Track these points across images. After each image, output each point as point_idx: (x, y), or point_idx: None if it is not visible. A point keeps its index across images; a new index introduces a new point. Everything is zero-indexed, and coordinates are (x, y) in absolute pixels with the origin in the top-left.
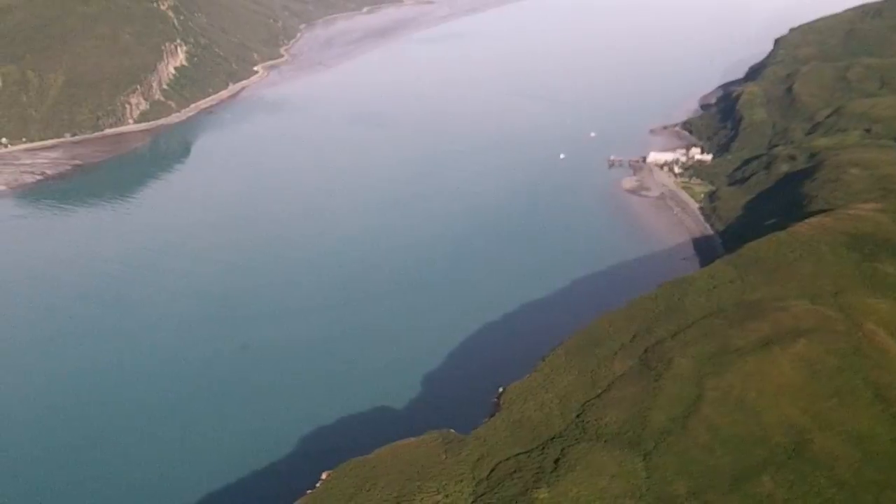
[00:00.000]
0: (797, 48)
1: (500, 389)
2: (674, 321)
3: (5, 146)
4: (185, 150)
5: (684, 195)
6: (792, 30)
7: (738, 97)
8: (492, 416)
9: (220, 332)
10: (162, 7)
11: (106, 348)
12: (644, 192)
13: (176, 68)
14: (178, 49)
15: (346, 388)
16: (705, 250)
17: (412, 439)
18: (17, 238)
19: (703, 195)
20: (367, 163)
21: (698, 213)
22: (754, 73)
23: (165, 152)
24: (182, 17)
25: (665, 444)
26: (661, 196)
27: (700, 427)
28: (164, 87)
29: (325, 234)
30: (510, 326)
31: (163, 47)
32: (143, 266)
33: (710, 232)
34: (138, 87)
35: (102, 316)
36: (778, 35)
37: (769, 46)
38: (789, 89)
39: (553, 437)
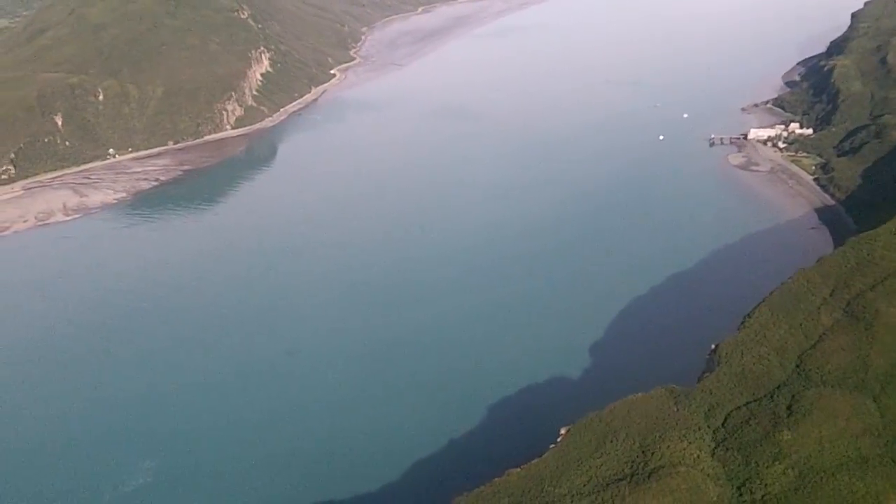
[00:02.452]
0: (878, 20)
1: (713, 346)
2: (869, 275)
3: (113, 156)
4: (285, 151)
5: (795, 168)
6: (867, 3)
7: (829, 71)
8: (706, 371)
9: (411, 312)
10: (242, 16)
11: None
12: (754, 168)
13: (262, 74)
14: (263, 56)
15: (547, 356)
16: (831, 219)
17: (640, 395)
18: (163, 238)
19: (813, 167)
20: (466, 156)
21: (814, 184)
22: (837, 47)
23: (267, 154)
24: (260, 26)
25: (892, 386)
26: (772, 170)
27: None
28: (255, 92)
29: (449, 224)
30: (673, 294)
31: (249, 54)
32: (290, 255)
33: (831, 202)
34: (233, 93)
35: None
36: (851, 9)
37: (839, 21)
38: (883, 60)
39: (778, 386)
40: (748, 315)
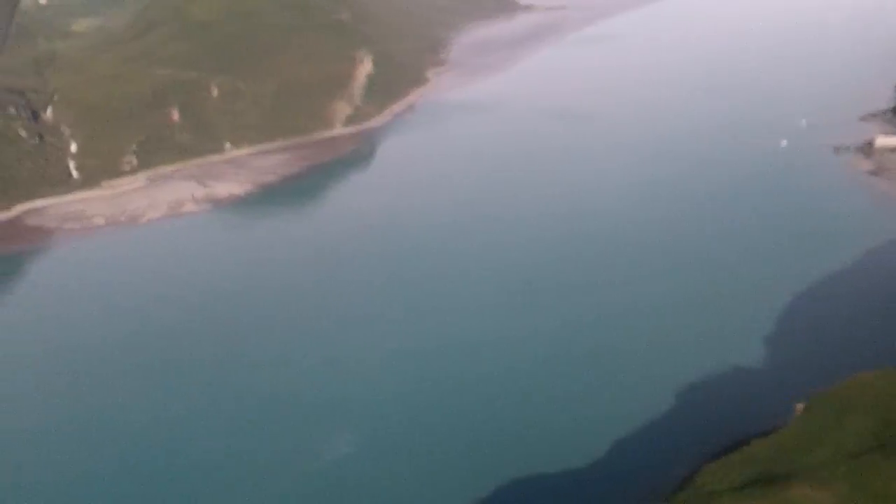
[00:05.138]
0: None
1: None
2: None
3: (229, 150)
4: (400, 150)
5: None
6: None
7: None
8: None
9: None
10: (343, 18)
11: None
12: (887, 174)
13: (367, 76)
14: (366, 57)
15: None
16: None
17: (870, 372)
18: (301, 229)
19: None
20: (580, 155)
21: None
22: None
23: (384, 152)
24: (360, 28)
25: None
26: None
27: None
28: (361, 93)
29: (580, 222)
30: (842, 287)
31: (354, 55)
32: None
33: None
34: (343, 92)
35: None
36: None
37: None
38: None
39: None
40: None
